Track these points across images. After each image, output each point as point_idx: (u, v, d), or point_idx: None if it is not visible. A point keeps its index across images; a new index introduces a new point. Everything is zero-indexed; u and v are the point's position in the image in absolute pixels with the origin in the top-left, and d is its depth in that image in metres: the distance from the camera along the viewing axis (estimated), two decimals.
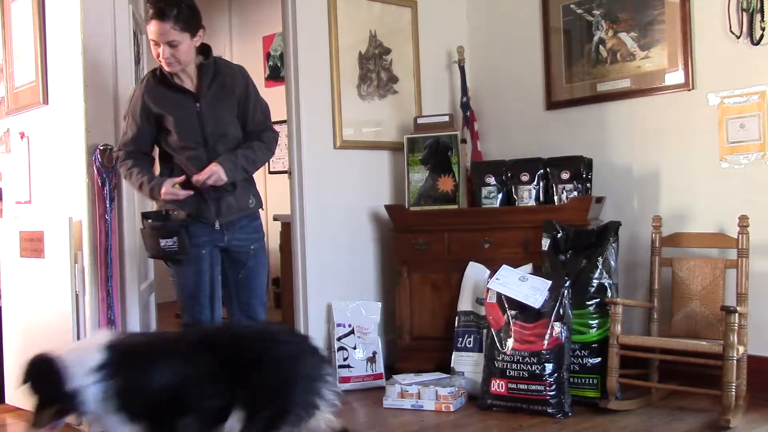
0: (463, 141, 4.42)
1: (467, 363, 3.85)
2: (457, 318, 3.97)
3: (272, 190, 6.71)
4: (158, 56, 2.88)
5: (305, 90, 4.18)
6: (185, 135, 2.94)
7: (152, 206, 3.22)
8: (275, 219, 4.78)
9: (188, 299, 3.02)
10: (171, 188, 2.89)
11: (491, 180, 4.20)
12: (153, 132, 3.00)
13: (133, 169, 2.99)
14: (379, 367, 4.12)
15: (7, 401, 3.85)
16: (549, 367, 3.43)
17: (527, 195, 4.10)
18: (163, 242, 2.91)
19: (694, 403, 3.53)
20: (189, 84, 2.97)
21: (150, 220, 2.96)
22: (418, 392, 3.63)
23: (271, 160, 6.74)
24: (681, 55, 3.89)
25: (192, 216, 2.95)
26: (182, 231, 2.90)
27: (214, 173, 2.88)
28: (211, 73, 2.99)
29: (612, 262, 3.67)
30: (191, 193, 2.91)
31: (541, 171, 4.10)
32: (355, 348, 4.09)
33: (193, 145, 2.94)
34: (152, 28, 2.82)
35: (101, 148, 3.37)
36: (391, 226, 4.34)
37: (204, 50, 3.01)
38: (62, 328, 3.42)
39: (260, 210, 3.17)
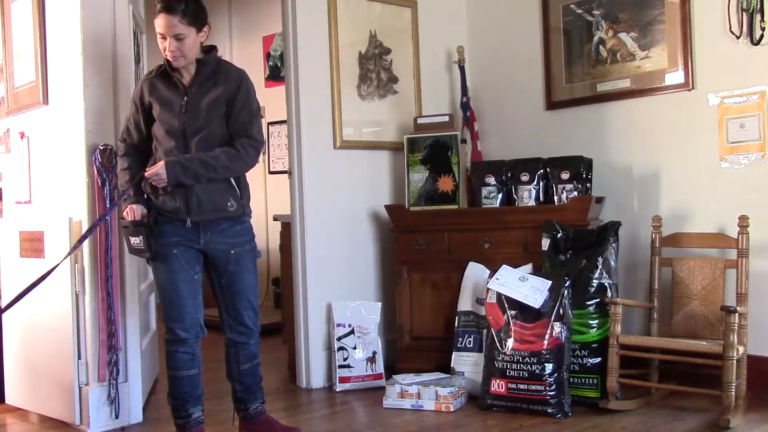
0: (463, 141, 4.42)
1: (467, 363, 3.85)
2: (457, 318, 3.97)
3: (272, 190, 6.70)
4: (164, 50, 2.93)
5: (305, 90, 4.17)
6: (166, 125, 2.97)
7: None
8: (275, 219, 4.77)
9: (163, 299, 3.04)
10: (132, 209, 2.98)
11: (491, 180, 4.20)
12: (141, 121, 3.06)
13: (122, 172, 3.09)
14: (379, 367, 4.12)
15: (7, 401, 3.85)
16: (549, 367, 3.43)
17: (527, 195, 4.10)
18: (131, 240, 2.99)
19: (694, 403, 3.53)
20: (187, 79, 3.01)
21: (122, 219, 3.04)
22: (418, 392, 3.63)
23: (270, 160, 6.79)
24: (681, 55, 3.89)
25: (161, 214, 2.98)
26: (146, 230, 2.94)
27: (158, 174, 2.89)
28: (208, 71, 3.01)
29: (612, 262, 3.67)
30: (138, 217, 2.97)
31: (541, 171, 4.10)
32: (355, 348, 4.09)
33: (172, 137, 2.97)
34: (160, 21, 2.88)
35: (101, 148, 3.38)
36: (391, 226, 4.35)
37: (209, 50, 3.05)
38: (62, 328, 3.42)
39: (246, 215, 3.11)
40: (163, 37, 2.90)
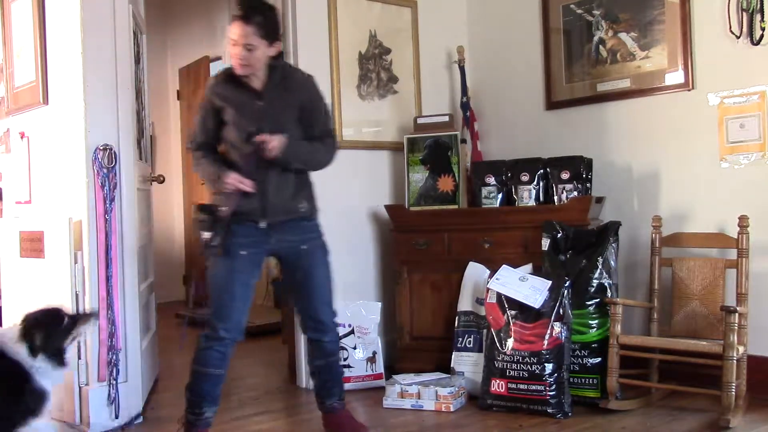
0: (463, 141, 4.42)
1: (467, 363, 3.85)
2: (457, 318, 3.97)
3: None
4: (233, 56, 2.95)
5: None
6: (242, 130, 2.99)
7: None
8: None
9: (214, 295, 3.05)
10: (237, 176, 2.94)
11: (491, 180, 4.20)
12: (213, 126, 3.08)
13: (202, 160, 3.09)
14: (379, 367, 4.12)
15: None
16: (549, 367, 3.43)
17: (527, 195, 4.10)
18: (204, 236, 3.01)
19: (694, 403, 3.53)
20: (257, 84, 3.03)
21: (199, 212, 3.05)
22: (418, 392, 3.63)
23: None
24: (681, 55, 3.89)
25: (237, 214, 2.99)
26: (220, 227, 2.96)
27: (275, 141, 2.91)
28: (278, 76, 3.05)
29: (612, 262, 3.67)
30: (250, 188, 2.95)
31: (541, 171, 4.10)
32: (355, 348, 4.09)
33: (247, 141, 2.99)
34: (235, 29, 2.90)
35: (101, 148, 3.38)
36: (391, 226, 4.35)
37: (277, 56, 3.08)
38: None
39: (316, 215, 3.20)
40: (234, 44, 2.92)
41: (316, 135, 3.11)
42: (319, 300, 3.13)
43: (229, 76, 3.04)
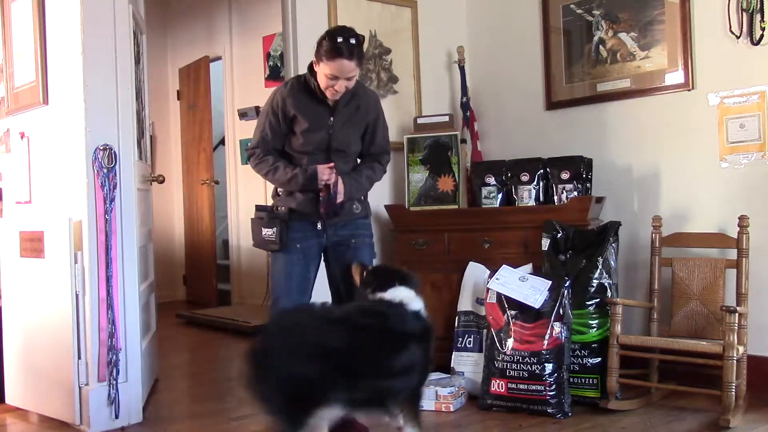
0: (463, 141, 4.42)
1: (467, 363, 3.85)
2: (457, 318, 3.97)
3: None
4: (329, 87, 3.01)
5: None
6: (311, 142, 3.11)
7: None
8: None
9: (275, 288, 3.17)
10: (322, 166, 3.05)
11: (491, 180, 4.20)
12: (285, 132, 3.16)
13: (278, 163, 3.16)
14: None
15: (7, 401, 3.85)
16: (549, 367, 3.43)
17: (527, 195, 4.10)
18: (263, 232, 3.14)
19: (694, 403, 3.53)
20: (329, 99, 3.10)
21: (258, 212, 3.19)
22: None
23: None
24: (681, 55, 3.90)
25: (295, 212, 3.12)
26: (282, 224, 3.10)
27: (340, 193, 3.07)
28: (349, 94, 3.12)
29: (612, 262, 3.68)
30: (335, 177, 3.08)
31: (541, 171, 4.11)
32: None
33: (316, 152, 3.12)
34: (336, 65, 2.95)
35: (101, 148, 3.38)
36: (391, 226, 4.35)
37: None
38: (62, 328, 3.42)
39: (369, 215, 3.32)
40: (334, 78, 2.97)
41: (375, 152, 3.27)
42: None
43: (303, 86, 3.11)
